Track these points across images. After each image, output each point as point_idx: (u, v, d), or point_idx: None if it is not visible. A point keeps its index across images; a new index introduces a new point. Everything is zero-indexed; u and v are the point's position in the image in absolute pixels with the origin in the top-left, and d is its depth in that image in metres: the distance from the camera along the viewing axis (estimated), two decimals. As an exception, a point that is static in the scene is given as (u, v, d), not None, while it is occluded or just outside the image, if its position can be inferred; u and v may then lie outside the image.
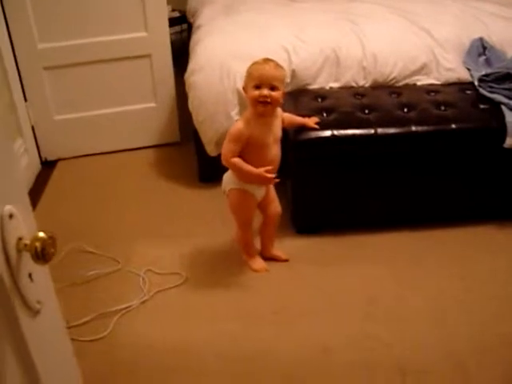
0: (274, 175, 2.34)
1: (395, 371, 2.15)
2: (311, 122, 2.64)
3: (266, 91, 2.25)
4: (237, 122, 2.40)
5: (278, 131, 2.42)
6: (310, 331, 2.33)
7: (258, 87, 2.26)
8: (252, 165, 2.33)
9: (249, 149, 2.34)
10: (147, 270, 2.64)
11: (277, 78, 2.27)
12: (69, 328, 2.35)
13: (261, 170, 2.31)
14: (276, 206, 2.61)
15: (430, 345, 2.25)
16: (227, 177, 2.49)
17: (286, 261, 2.68)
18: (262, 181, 2.37)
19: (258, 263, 2.65)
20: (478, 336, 2.29)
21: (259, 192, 2.48)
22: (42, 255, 0.96)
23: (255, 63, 2.32)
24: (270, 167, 2.32)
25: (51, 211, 3.11)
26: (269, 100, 2.26)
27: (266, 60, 2.32)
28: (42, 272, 1.07)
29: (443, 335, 2.29)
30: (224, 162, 2.37)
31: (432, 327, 2.34)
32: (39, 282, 1.05)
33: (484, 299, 2.47)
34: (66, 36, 3.27)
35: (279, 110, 2.45)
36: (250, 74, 2.32)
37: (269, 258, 2.69)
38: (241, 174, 2.39)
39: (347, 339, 2.29)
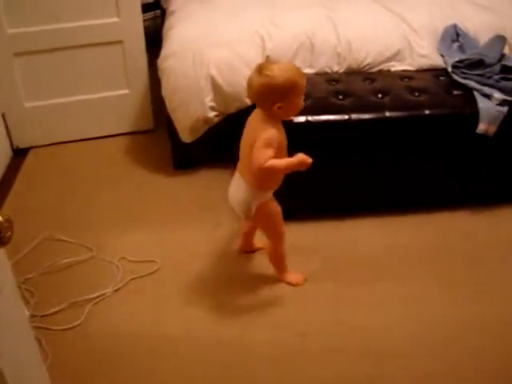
0: (309, 159, 2.14)
1: (369, 356, 2.17)
2: None
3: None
4: (269, 129, 2.12)
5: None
6: (284, 318, 2.34)
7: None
8: None
9: (276, 155, 2.14)
10: (121, 258, 2.62)
11: None
12: (42, 317, 2.33)
13: (300, 156, 2.12)
14: None
15: (402, 330, 2.28)
16: (246, 195, 2.26)
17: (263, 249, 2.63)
18: (304, 165, 2.13)
19: (296, 276, 2.52)
20: (450, 320, 2.32)
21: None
22: (-2, 238, 0.94)
23: (294, 70, 2.09)
24: (304, 155, 2.13)
25: (23, 200, 3.07)
26: None
27: (289, 63, 2.22)
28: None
29: (415, 320, 2.32)
30: (259, 169, 2.10)
31: (404, 312, 2.36)
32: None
33: (455, 284, 2.50)
34: (36, 21, 3.20)
35: None
36: (298, 85, 2.07)
37: (249, 251, 2.67)
38: (278, 173, 2.22)
39: (320, 325, 2.30)
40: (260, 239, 2.64)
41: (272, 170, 2.13)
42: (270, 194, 2.32)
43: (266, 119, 2.13)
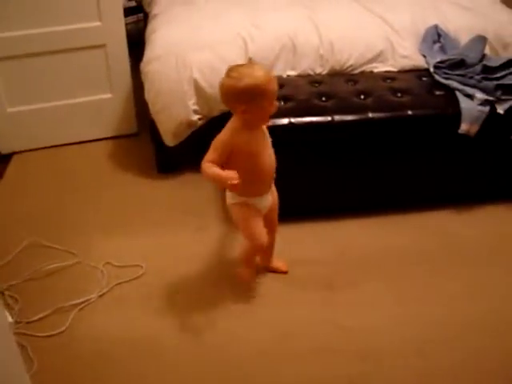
0: (237, 181, 1.99)
1: (358, 356, 2.18)
2: None
3: (277, 102, 2.11)
4: (223, 132, 2.14)
5: (267, 134, 2.24)
6: (271, 318, 2.34)
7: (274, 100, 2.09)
8: (249, 174, 2.13)
9: (240, 160, 2.12)
10: (106, 263, 2.61)
11: None
12: (27, 323, 2.31)
13: (229, 173, 2.01)
14: (274, 212, 2.44)
15: (390, 329, 2.29)
16: (228, 191, 2.29)
17: (285, 273, 2.56)
18: (228, 184, 2.01)
19: (248, 273, 2.47)
20: (440, 320, 2.33)
21: (262, 203, 2.30)
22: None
23: (258, 76, 2.02)
24: (235, 173, 2.01)
25: (6, 206, 3.04)
26: None
27: (257, 68, 2.07)
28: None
29: (403, 319, 2.33)
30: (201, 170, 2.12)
31: (391, 311, 2.37)
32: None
33: (444, 284, 2.51)
34: (17, 26, 3.18)
35: None
36: (263, 90, 2.02)
37: (270, 270, 2.58)
38: (209, 179, 2.14)
39: (307, 325, 2.31)
40: (279, 259, 2.59)
41: (204, 175, 2.10)
42: (246, 199, 2.26)
43: (234, 122, 2.12)
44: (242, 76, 2.01)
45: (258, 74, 2.03)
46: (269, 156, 2.23)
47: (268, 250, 2.51)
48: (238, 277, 2.48)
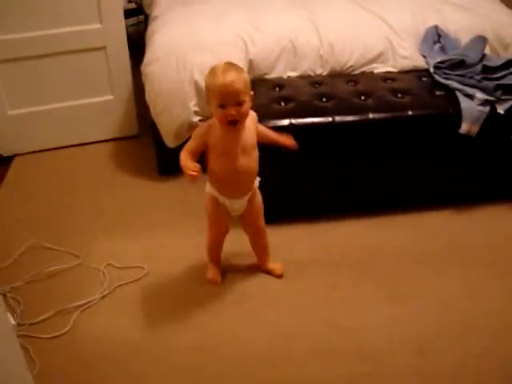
0: (194, 173, 2.06)
1: (356, 356, 2.18)
2: (287, 141, 2.34)
3: (233, 111, 2.03)
4: (204, 123, 2.23)
5: (248, 140, 2.19)
6: (270, 319, 2.34)
7: (221, 106, 2.04)
8: (219, 173, 2.21)
9: (213, 155, 2.19)
10: (107, 265, 2.61)
11: (242, 91, 2.03)
12: (29, 325, 2.32)
13: (190, 164, 2.09)
14: (257, 219, 2.42)
15: (390, 329, 2.29)
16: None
17: (280, 277, 2.53)
18: (187, 174, 2.09)
19: (211, 272, 2.53)
20: (438, 320, 2.33)
21: (232, 206, 2.33)
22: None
23: (213, 75, 2.05)
24: (196, 167, 2.08)
25: (8, 208, 3.05)
26: (237, 119, 2.06)
27: (225, 70, 2.04)
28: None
29: (403, 319, 2.33)
30: None
31: (391, 311, 2.37)
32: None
33: (445, 284, 2.51)
34: (18, 28, 3.19)
35: (252, 116, 2.21)
36: (211, 91, 2.05)
37: (264, 271, 2.56)
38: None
39: (307, 325, 2.31)
40: (276, 261, 2.58)
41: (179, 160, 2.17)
42: (217, 195, 2.31)
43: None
44: (211, 73, 2.08)
45: (212, 73, 2.07)
46: (242, 161, 2.19)
47: (260, 252, 2.54)
48: (207, 278, 2.54)
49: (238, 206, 2.34)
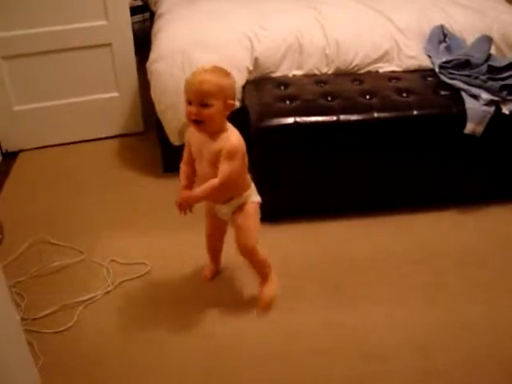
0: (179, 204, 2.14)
1: (359, 357, 2.18)
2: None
3: (194, 109, 1.99)
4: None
5: (213, 151, 2.08)
6: (274, 319, 2.34)
7: (189, 103, 2.01)
8: (197, 174, 2.22)
9: (189, 157, 2.22)
10: (111, 261, 2.62)
11: (211, 93, 1.97)
12: (33, 320, 2.33)
13: (181, 191, 2.18)
14: (239, 234, 2.27)
15: (392, 329, 2.29)
16: None
17: (260, 311, 2.37)
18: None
19: (206, 268, 2.55)
20: (441, 319, 2.33)
21: (216, 208, 2.29)
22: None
23: (192, 73, 2.05)
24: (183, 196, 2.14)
25: (13, 203, 3.06)
26: (198, 119, 2.00)
27: (204, 70, 2.03)
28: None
29: (405, 319, 2.33)
30: None
31: (393, 313, 2.37)
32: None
33: (448, 285, 2.51)
34: (24, 24, 3.20)
35: (230, 143, 2.06)
36: (184, 86, 2.05)
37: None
38: None
39: (310, 325, 2.31)
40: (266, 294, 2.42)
41: None
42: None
43: None
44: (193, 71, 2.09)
45: (194, 73, 2.05)
46: (205, 168, 2.14)
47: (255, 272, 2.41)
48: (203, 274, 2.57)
49: (218, 210, 2.29)
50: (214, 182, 2.07)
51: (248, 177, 2.25)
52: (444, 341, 2.23)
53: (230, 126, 2.11)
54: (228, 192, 2.19)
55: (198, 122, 2.03)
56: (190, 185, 2.23)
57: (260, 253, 2.31)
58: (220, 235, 2.47)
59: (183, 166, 2.24)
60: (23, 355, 1.30)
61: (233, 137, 2.08)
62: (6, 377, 1.04)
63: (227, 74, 2.07)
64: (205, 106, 1.98)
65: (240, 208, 2.24)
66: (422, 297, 2.44)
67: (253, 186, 2.28)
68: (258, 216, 2.30)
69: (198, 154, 2.15)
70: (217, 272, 2.57)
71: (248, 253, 2.30)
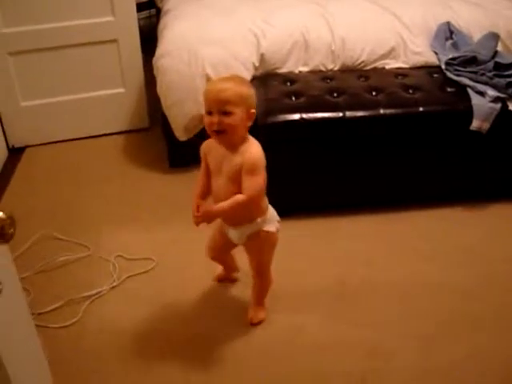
0: (198, 217, 2.01)
1: (363, 352, 2.18)
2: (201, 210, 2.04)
3: (215, 118, 1.88)
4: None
5: (234, 166, 1.96)
6: (282, 315, 2.34)
7: (209, 113, 1.91)
8: (212, 191, 2.09)
9: (206, 170, 2.10)
10: (117, 256, 2.63)
11: (231, 101, 1.87)
12: (39, 315, 2.34)
13: (195, 203, 2.04)
14: (253, 258, 2.21)
15: (397, 326, 2.29)
16: None
17: (251, 324, 2.30)
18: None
19: (218, 271, 2.51)
20: (445, 316, 2.33)
21: (227, 230, 2.17)
22: (0, 235, 0.95)
23: (209, 82, 1.99)
24: (199, 205, 2.02)
25: (19, 198, 3.07)
26: (220, 128, 1.90)
27: (223, 79, 2.01)
28: (1, 252, 1.06)
29: (410, 316, 2.33)
30: None
31: (398, 308, 2.37)
32: (-1, 261, 1.04)
33: (453, 280, 2.50)
34: (31, 20, 3.22)
35: (251, 152, 1.95)
36: (203, 97, 1.96)
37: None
38: None
39: (316, 321, 2.31)
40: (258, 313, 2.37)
41: None
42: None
43: None
44: (210, 80, 2.08)
45: (212, 82, 2.03)
46: (223, 183, 2.01)
47: (253, 291, 2.33)
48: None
49: (229, 232, 2.17)
50: (240, 197, 1.94)
51: (265, 200, 2.11)
52: (448, 338, 2.23)
53: (250, 137, 1.99)
54: (245, 211, 2.03)
55: (219, 133, 1.92)
56: (204, 195, 2.11)
57: (270, 277, 2.27)
58: (225, 251, 2.36)
59: (201, 177, 2.12)
60: (36, 353, 1.32)
61: (253, 148, 1.96)
62: (19, 373, 1.05)
63: (246, 82, 2.03)
64: (226, 114, 1.88)
65: (255, 237, 2.11)
66: (426, 294, 2.43)
67: (270, 210, 2.13)
68: (275, 248, 2.18)
69: (216, 169, 2.02)
70: (226, 278, 2.51)
71: (257, 277, 2.26)
